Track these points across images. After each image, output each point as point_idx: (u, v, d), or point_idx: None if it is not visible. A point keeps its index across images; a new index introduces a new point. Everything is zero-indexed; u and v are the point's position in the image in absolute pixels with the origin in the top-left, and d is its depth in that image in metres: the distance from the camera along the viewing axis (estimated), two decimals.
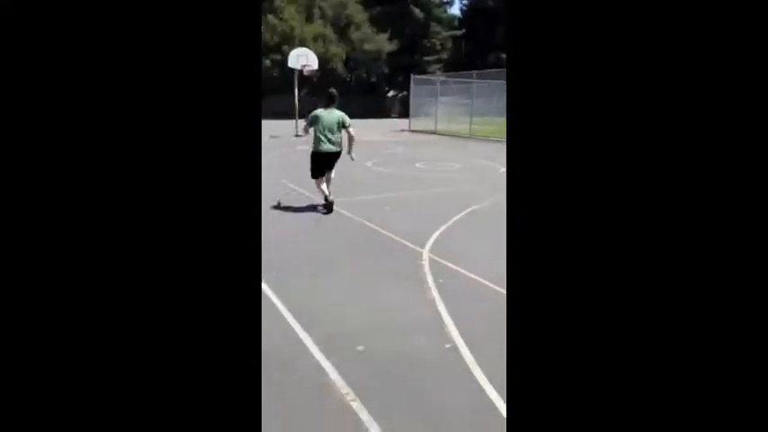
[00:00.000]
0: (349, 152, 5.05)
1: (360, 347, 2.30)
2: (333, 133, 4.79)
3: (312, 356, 2.20)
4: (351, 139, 4.95)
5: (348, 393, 1.93)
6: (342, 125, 4.85)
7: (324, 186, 4.94)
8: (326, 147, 4.80)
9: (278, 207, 5.07)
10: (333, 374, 2.06)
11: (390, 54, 27.44)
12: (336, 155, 4.90)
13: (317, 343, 2.31)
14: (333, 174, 5.07)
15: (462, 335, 2.42)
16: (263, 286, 2.99)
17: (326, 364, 2.13)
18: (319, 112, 4.89)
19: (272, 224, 4.54)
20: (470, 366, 2.15)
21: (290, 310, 2.67)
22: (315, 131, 4.82)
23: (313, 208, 5.20)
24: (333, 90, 5.13)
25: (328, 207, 4.90)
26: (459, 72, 17.57)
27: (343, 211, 5.02)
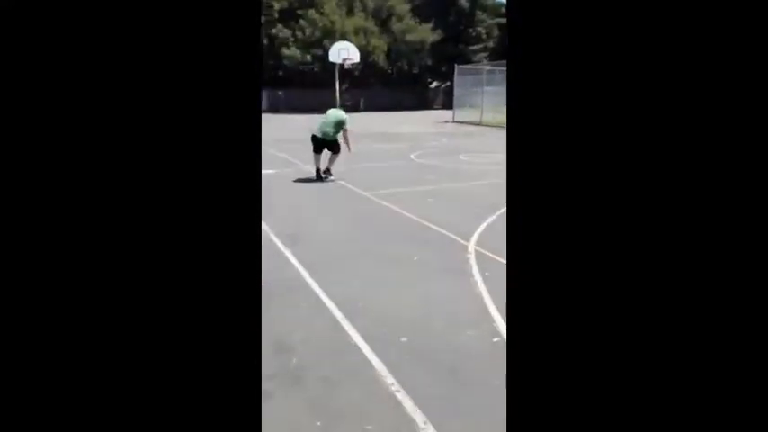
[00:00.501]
0: (347, 145, 6.30)
1: (404, 339, 2.28)
2: (328, 127, 6.09)
3: (357, 347, 2.21)
4: (346, 138, 6.26)
5: (393, 384, 1.91)
6: (340, 125, 6.12)
7: (319, 160, 6.21)
8: (318, 134, 6.14)
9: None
10: (378, 365, 2.05)
11: (433, 44, 27.06)
12: (328, 141, 6.15)
13: (362, 334, 2.31)
14: (334, 157, 6.25)
15: None
16: (307, 277, 3.03)
17: (371, 356, 2.13)
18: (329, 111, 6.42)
19: (314, 217, 4.60)
20: None
21: (334, 301, 2.69)
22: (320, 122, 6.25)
23: (357, 201, 5.22)
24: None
25: (318, 175, 6.24)
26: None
27: (386, 203, 5.01)
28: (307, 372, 2.02)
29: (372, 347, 2.19)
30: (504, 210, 4.71)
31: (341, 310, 2.58)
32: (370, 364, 2.07)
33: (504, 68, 16.42)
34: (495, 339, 2.27)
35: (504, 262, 3.28)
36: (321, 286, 2.89)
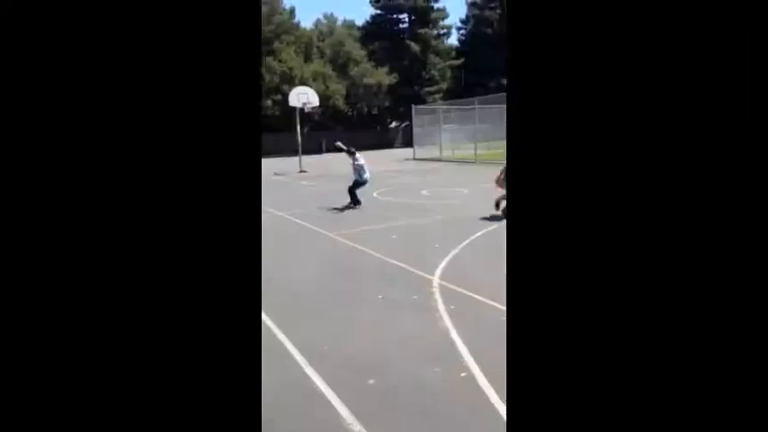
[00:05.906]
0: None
1: (371, 381, 2.19)
2: None
3: (322, 394, 2.10)
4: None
5: (361, 431, 1.82)
6: None
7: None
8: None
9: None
10: (343, 411, 1.95)
11: (390, 86, 27.97)
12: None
13: (326, 379, 2.21)
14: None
15: (478, 363, 2.31)
16: (267, 321, 2.91)
17: (336, 401, 2.02)
18: None
19: (278, 259, 4.49)
20: (488, 394, 2.03)
21: (296, 346, 2.58)
22: None
23: (322, 242, 5.15)
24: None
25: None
26: (461, 99, 17.83)
27: (350, 243, 4.96)
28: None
29: (336, 391, 2.09)
30: (466, 242, 4.74)
31: (302, 353, 2.47)
32: (334, 409, 1.97)
33: (459, 107, 17.11)
34: (463, 374, 2.22)
35: (468, 294, 3.27)
36: (281, 329, 2.77)
